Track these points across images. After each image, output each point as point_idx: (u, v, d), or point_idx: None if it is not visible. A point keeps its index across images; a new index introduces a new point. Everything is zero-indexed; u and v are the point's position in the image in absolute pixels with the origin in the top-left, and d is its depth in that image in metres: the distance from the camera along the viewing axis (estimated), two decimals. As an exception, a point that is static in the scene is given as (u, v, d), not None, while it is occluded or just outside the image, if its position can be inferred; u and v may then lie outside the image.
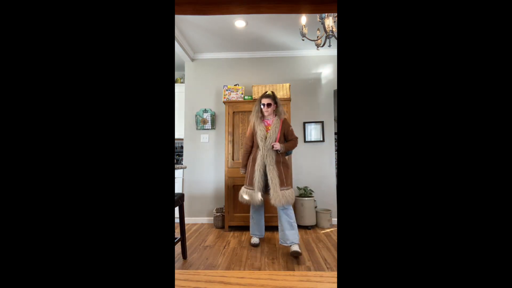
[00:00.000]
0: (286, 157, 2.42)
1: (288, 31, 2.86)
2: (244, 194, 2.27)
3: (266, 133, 2.26)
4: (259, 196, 2.21)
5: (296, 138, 2.37)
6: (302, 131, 3.28)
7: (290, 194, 2.16)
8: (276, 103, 2.29)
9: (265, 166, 2.22)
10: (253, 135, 2.34)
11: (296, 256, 2.01)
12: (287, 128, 2.32)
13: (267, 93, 2.32)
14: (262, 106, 2.28)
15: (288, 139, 2.33)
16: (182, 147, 4.01)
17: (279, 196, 2.12)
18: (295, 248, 2.02)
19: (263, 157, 2.22)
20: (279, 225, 2.19)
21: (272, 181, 2.16)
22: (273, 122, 2.28)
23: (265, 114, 2.29)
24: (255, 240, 2.39)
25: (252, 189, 2.23)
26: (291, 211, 2.16)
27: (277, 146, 2.19)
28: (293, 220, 2.15)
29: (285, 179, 2.20)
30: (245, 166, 2.40)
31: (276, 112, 2.31)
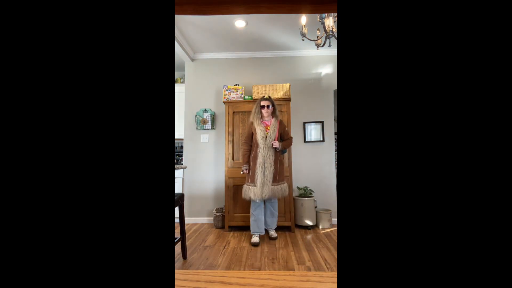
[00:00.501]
0: (282, 156, 2.65)
1: (288, 31, 2.86)
2: (247, 191, 2.50)
3: (266, 133, 2.52)
4: (261, 192, 2.44)
5: (291, 138, 2.68)
6: (302, 131, 3.28)
7: (279, 189, 2.50)
8: (273, 105, 2.56)
9: (265, 163, 2.48)
10: (252, 135, 2.59)
11: (273, 239, 2.53)
12: (283, 128, 2.62)
13: (265, 96, 2.58)
14: (262, 108, 2.53)
15: (284, 138, 2.62)
16: (182, 147, 4.01)
17: (268, 190, 2.45)
18: (273, 234, 2.57)
19: (264, 155, 2.48)
20: (264, 212, 2.61)
21: (267, 177, 2.46)
22: (271, 123, 2.55)
23: (265, 115, 2.55)
24: (255, 239, 2.45)
25: (254, 186, 2.47)
26: (275, 203, 2.62)
27: (276, 144, 2.48)
28: (276, 210, 2.62)
29: (278, 176, 2.52)
30: (247, 163, 2.59)
31: (273, 114, 2.58)
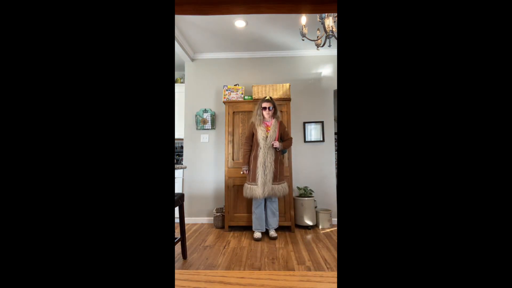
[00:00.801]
0: (282, 156, 2.72)
1: (288, 31, 2.85)
2: (249, 190, 2.59)
3: (267, 133, 2.59)
4: (262, 191, 2.51)
5: (291, 138, 2.74)
6: (302, 131, 3.28)
7: (280, 188, 2.57)
8: (274, 107, 2.64)
9: (265, 163, 2.56)
10: (253, 135, 2.66)
11: (273, 239, 2.54)
12: (283, 129, 2.69)
13: (266, 98, 2.64)
14: (263, 110, 2.60)
15: (284, 139, 2.70)
16: (182, 147, 4.01)
17: (268, 189, 2.52)
18: (273, 234, 2.58)
19: (265, 155, 2.56)
20: (265, 211, 2.66)
21: (267, 176, 2.53)
22: (272, 124, 2.63)
23: (266, 116, 2.62)
24: (257, 234, 2.55)
25: (255, 185, 2.55)
26: (276, 203, 2.66)
27: (277, 144, 2.57)
28: (276, 210, 2.66)
29: (278, 176, 2.59)
30: (247, 163, 2.66)
31: (274, 115, 2.65)
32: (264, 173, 2.53)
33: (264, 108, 2.60)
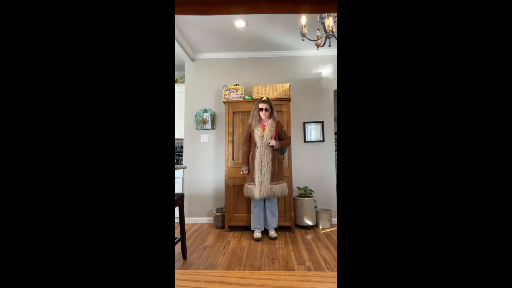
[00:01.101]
0: (281, 156, 2.74)
1: (288, 31, 2.85)
2: (248, 190, 2.63)
3: (263, 132, 2.62)
4: (259, 190, 2.53)
5: (289, 137, 2.74)
6: (302, 131, 3.28)
7: (278, 188, 2.57)
8: (271, 107, 2.66)
9: (262, 162, 2.58)
10: (250, 136, 2.70)
11: (273, 239, 2.54)
12: (281, 128, 2.71)
13: (263, 98, 2.67)
14: (260, 110, 2.63)
15: (282, 138, 2.70)
16: (182, 147, 4.00)
17: (266, 189, 2.52)
18: (273, 234, 2.58)
19: (261, 154, 2.58)
20: (264, 211, 2.67)
21: (264, 175, 2.53)
22: (268, 123, 2.66)
23: (263, 117, 2.65)
24: (257, 234, 2.57)
25: (253, 185, 2.57)
26: (275, 203, 2.67)
27: (273, 142, 2.59)
28: (275, 209, 2.66)
29: (277, 175, 2.59)
30: (246, 163, 2.69)
31: (271, 116, 2.68)
32: (261, 172, 2.53)
33: (261, 109, 2.62)
